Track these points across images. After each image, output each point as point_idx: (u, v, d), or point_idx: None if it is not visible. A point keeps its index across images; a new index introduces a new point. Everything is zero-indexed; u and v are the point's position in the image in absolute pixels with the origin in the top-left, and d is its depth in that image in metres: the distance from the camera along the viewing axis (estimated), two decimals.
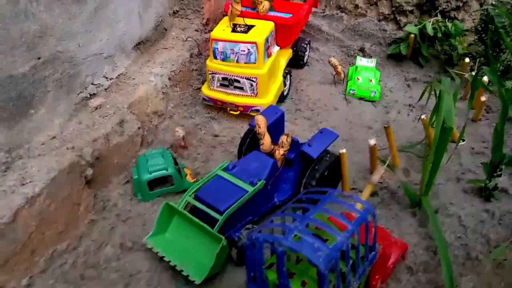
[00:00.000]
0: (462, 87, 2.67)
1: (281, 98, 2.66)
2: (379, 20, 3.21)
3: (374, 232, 1.49)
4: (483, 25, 2.70)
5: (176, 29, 2.85)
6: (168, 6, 2.78)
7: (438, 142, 1.72)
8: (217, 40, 2.41)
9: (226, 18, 2.56)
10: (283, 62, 2.69)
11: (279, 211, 1.59)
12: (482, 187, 2.00)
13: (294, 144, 1.94)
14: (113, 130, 2.08)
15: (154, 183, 2.00)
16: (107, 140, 2.04)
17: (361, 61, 2.91)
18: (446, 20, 2.89)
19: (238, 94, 2.47)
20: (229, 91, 2.48)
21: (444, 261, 1.61)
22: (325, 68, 2.95)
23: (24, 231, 1.62)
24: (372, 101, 2.72)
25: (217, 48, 2.41)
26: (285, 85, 2.67)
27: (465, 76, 2.64)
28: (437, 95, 1.81)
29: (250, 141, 2.07)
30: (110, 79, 2.28)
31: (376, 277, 1.58)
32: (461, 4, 2.98)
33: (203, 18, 2.91)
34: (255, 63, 2.38)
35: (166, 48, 2.69)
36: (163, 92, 2.46)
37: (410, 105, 2.67)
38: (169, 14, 2.82)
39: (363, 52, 3.10)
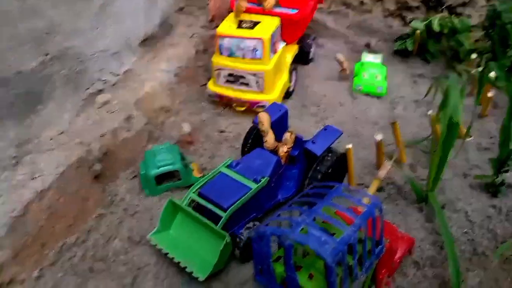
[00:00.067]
0: (468, 83, 2.66)
1: (287, 94, 2.67)
2: (385, 17, 3.20)
3: (380, 226, 1.50)
4: (490, 21, 2.69)
5: (182, 25, 2.87)
6: (173, 3, 2.79)
7: (445, 137, 1.72)
8: (223, 37, 2.41)
9: (232, 15, 2.56)
10: (289, 58, 2.69)
11: (286, 206, 1.60)
12: (489, 183, 2.00)
13: (298, 141, 1.93)
14: (120, 126, 2.10)
15: (161, 178, 2.01)
16: (114, 135, 2.06)
17: (367, 57, 2.91)
18: (453, 16, 2.87)
19: (244, 90, 2.47)
20: (235, 87, 2.48)
21: (450, 256, 1.61)
22: (331, 65, 2.95)
23: (34, 225, 1.65)
24: (378, 97, 2.71)
25: (223, 44, 2.42)
26: (291, 81, 2.68)
27: (472, 72, 2.62)
28: (444, 91, 1.80)
29: (254, 139, 2.07)
30: (117, 75, 2.30)
31: (383, 271, 1.59)
32: (467, 0, 2.97)
33: (208, 14, 2.92)
34: (261, 59, 2.39)
35: (172, 45, 2.71)
36: (169, 88, 2.47)
37: (416, 101, 2.66)
38: (175, 11, 2.83)
39: (369, 48, 3.10)
